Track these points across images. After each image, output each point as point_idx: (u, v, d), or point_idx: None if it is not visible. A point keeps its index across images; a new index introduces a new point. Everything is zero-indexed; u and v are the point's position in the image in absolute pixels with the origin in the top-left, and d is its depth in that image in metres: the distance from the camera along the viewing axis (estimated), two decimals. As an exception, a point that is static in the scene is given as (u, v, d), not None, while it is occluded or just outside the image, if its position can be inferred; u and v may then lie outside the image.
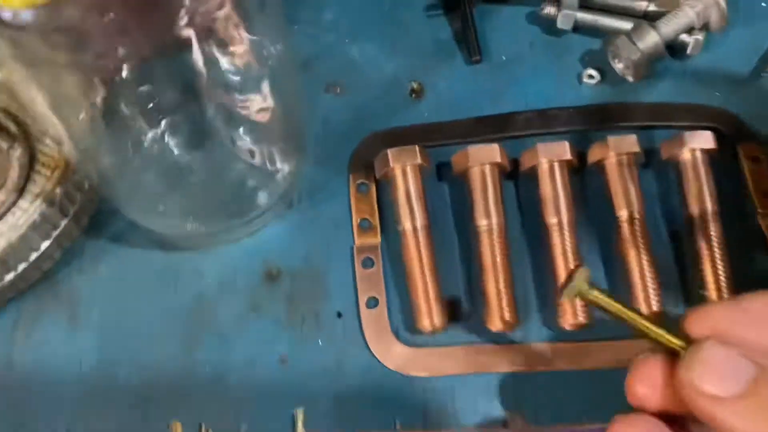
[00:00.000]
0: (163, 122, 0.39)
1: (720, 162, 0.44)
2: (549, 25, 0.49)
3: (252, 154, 0.39)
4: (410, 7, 0.50)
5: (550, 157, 0.42)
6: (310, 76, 0.48)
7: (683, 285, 0.42)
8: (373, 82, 0.48)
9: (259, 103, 0.36)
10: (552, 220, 0.42)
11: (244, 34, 0.34)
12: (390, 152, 0.43)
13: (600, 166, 0.43)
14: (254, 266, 0.43)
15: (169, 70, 0.36)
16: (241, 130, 0.38)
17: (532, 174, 0.43)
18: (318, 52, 0.49)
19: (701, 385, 0.22)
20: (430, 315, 0.40)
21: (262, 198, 0.42)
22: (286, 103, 0.39)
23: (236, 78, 0.35)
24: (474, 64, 0.48)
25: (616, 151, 0.42)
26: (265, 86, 0.36)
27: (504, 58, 0.49)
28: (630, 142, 0.43)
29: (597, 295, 0.28)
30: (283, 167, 0.41)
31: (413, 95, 0.48)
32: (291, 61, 0.41)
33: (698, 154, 0.43)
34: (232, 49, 0.33)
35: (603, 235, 0.43)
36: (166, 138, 0.40)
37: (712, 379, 0.22)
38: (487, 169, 0.43)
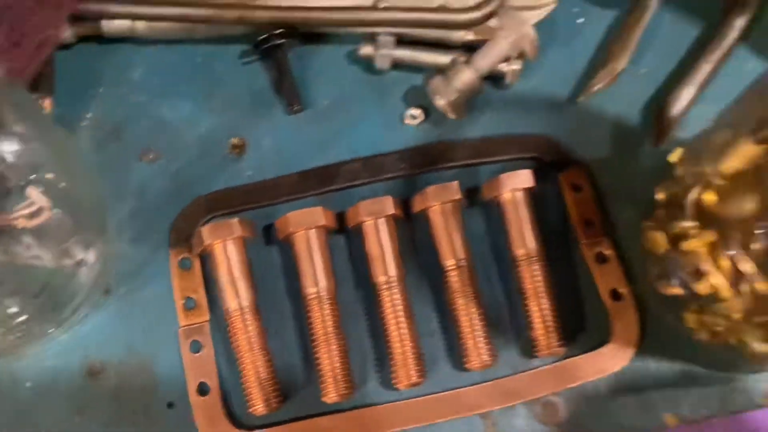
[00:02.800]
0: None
1: (546, 192, 0.44)
2: (370, 64, 0.47)
3: (38, 257, 0.36)
4: (224, 58, 0.47)
5: (373, 215, 0.41)
6: (120, 143, 0.45)
7: (515, 325, 0.43)
8: (190, 143, 0.46)
9: (27, 209, 0.33)
10: (381, 279, 0.41)
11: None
12: (204, 229, 0.41)
13: (424, 215, 0.43)
14: (74, 364, 0.41)
15: None
16: (13, 239, 0.35)
17: (359, 231, 0.42)
18: (128, 116, 0.46)
19: None
20: (262, 398, 0.39)
21: (70, 295, 0.39)
22: (72, 192, 0.36)
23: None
24: (295, 114, 0.46)
25: (437, 201, 0.42)
26: (32, 190, 0.33)
27: (326, 102, 0.47)
28: (450, 190, 0.42)
29: None
30: (86, 258, 0.38)
31: (236, 152, 0.46)
32: (72, 149, 0.38)
33: (518, 194, 0.43)
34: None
35: (436, 284, 0.43)
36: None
37: None
38: (312, 233, 0.41)
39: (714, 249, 0.37)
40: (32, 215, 0.34)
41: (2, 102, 0.33)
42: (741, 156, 0.34)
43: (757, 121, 0.33)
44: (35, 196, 0.34)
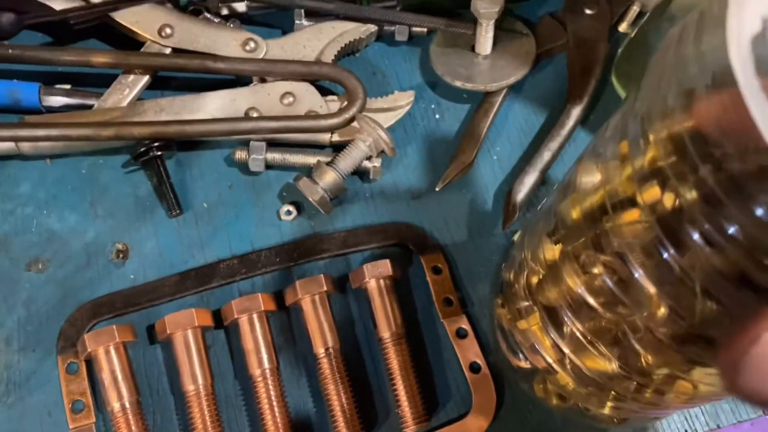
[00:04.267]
0: None
1: (415, 273, 0.49)
2: (246, 166, 0.51)
3: None
4: (109, 167, 0.51)
5: (246, 312, 0.45)
6: (8, 255, 0.48)
7: (385, 402, 0.47)
8: (76, 252, 0.49)
9: None
10: (255, 371, 0.45)
11: None
12: (87, 336, 0.44)
13: (297, 306, 0.47)
14: (-36, 476, 0.43)
15: None
16: None
17: (235, 326, 0.46)
18: (16, 228, 0.49)
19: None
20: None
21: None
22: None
23: None
24: (175, 217, 0.50)
25: (306, 294, 0.46)
26: None
27: (206, 205, 0.51)
28: (317, 284, 0.46)
29: None
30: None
31: (120, 257, 0.49)
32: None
33: (382, 281, 0.47)
34: None
35: (313, 368, 0.47)
36: None
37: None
38: (189, 333, 0.45)
39: (543, 327, 0.42)
40: None
41: None
42: (549, 250, 0.39)
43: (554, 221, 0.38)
44: None
